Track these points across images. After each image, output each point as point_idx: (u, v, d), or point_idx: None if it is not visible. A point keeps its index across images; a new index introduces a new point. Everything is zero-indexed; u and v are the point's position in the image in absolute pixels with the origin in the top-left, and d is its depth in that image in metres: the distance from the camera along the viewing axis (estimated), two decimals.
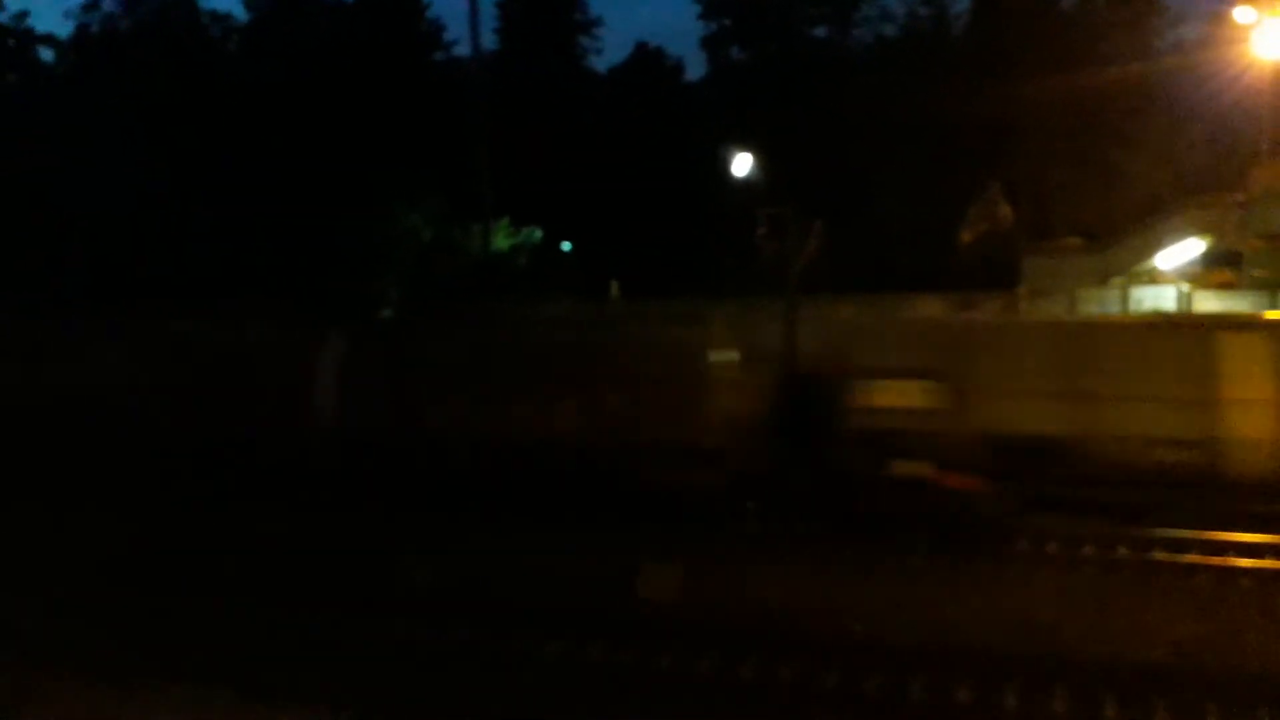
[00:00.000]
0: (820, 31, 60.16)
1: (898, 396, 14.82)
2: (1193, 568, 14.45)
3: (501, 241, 47.53)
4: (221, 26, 62.21)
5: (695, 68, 69.84)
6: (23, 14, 56.63)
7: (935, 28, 57.45)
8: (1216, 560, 14.57)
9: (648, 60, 65.44)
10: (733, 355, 15.29)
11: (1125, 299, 38.91)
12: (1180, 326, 18.62)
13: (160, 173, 46.13)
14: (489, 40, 62.42)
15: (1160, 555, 14.78)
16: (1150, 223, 42.59)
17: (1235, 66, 44.61)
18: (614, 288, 43.73)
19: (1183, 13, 58.56)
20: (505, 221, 47.96)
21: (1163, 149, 49.55)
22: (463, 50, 61.03)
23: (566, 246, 53.05)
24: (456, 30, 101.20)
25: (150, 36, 56.62)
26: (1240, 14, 45.20)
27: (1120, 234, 43.18)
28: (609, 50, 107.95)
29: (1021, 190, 49.57)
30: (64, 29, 67.15)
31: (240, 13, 64.96)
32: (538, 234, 49.49)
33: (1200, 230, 41.78)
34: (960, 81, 47.12)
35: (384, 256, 42.66)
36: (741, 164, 46.25)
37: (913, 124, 47.31)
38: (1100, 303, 38.76)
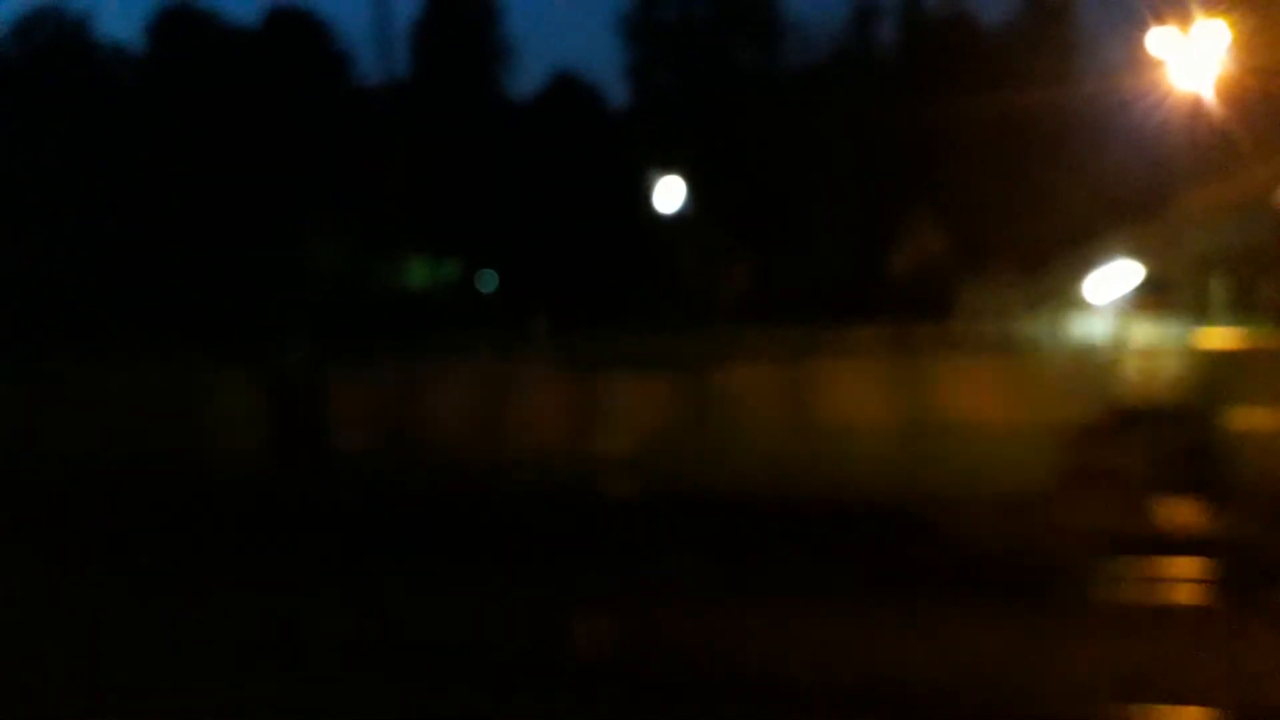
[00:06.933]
0: (747, 57, 59.91)
1: None
2: None
3: (419, 275, 46.28)
4: (118, 56, 60.42)
5: (616, 95, 69.57)
6: None
7: (862, 54, 57.57)
8: None
9: (568, 88, 64.53)
10: None
11: (1059, 324, 39.10)
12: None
13: (53, 204, 44.10)
14: (401, 68, 61.41)
15: None
16: (1082, 248, 42.87)
17: (1157, 91, 45.18)
18: (540, 321, 42.54)
19: (1104, 37, 59.66)
20: (424, 255, 46.74)
21: (1092, 174, 50.17)
22: (374, 80, 60.11)
23: (489, 280, 52.05)
24: (367, 59, 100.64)
25: (43, 65, 54.52)
26: (1158, 40, 46.14)
27: (1053, 260, 43.38)
28: (527, 79, 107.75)
29: (954, 218, 49.74)
30: None
31: (139, 40, 63.23)
32: (457, 267, 48.63)
33: (1132, 255, 42.10)
34: (888, 106, 47.13)
35: (293, 290, 41.07)
36: (669, 192, 45.73)
37: (842, 150, 47.25)
38: (1035, 329, 38.78)
